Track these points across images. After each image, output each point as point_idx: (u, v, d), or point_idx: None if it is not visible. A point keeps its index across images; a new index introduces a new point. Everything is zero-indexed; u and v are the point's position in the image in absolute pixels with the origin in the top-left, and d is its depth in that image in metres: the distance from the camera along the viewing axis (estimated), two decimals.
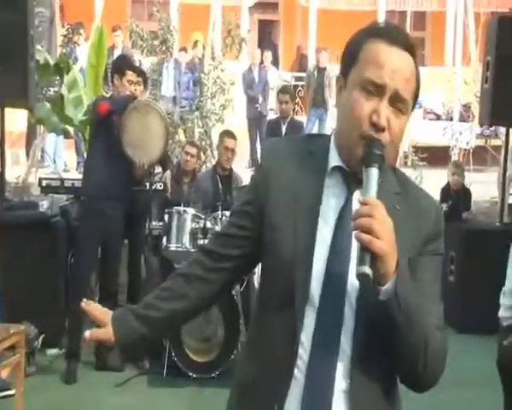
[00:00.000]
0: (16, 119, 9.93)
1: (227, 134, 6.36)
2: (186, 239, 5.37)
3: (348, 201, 1.56)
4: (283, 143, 1.74)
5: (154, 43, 10.15)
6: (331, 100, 11.62)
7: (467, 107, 13.21)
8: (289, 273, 1.53)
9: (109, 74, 5.93)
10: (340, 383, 1.52)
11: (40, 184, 6.13)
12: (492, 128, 10.62)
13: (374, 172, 1.47)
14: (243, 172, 6.85)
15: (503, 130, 8.40)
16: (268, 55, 12.84)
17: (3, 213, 5.58)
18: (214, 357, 4.97)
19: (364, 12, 14.75)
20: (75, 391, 4.88)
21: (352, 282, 1.51)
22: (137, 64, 9.63)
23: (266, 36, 17.65)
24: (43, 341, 5.09)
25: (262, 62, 12.59)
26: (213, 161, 7.85)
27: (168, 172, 6.15)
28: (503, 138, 7.70)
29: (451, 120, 13.34)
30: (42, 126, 8.39)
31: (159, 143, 5.19)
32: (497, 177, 8.75)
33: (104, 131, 5.05)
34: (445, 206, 7.41)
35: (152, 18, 10.72)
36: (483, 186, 9.35)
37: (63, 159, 10.92)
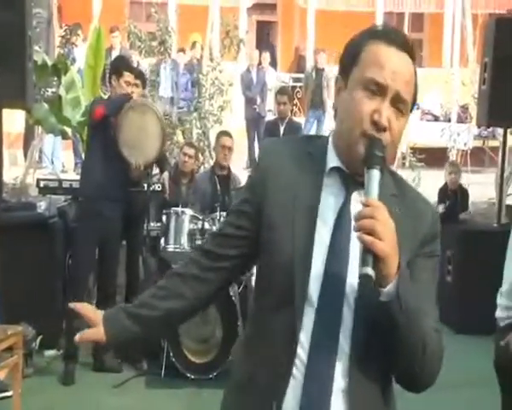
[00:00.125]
0: (14, 119, 9.92)
1: (223, 133, 6.48)
2: (184, 240, 5.38)
3: (347, 201, 1.57)
4: (282, 144, 1.75)
5: (152, 45, 10.15)
6: (329, 101, 11.63)
7: (464, 108, 13.24)
8: (288, 273, 1.54)
9: (107, 75, 5.93)
10: (339, 382, 1.52)
11: (38, 185, 6.13)
12: (490, 129, 10.64)
13: (375, 174, 1.48)
14: (241, 173, 6.86)
15: (500, 131, 8.40)
16: (266, 56, 12.86)
17: (1, 214, 5.56)
18: (212, 358, 4.97)
19: (362, 13, 14.77)
20: (73, 392, 4.88)
21: (351, 282, 1.52)
22: (135, 65, 9.64)
23: (264, 37, 17.66)
24: (40, 342, 5.08)
25: (260, 63, 12.61)
26: (211, 162, 7.85)
27: (166, 174, 6.15)
28: (501, 139, 7.70)
29: (449, 121, 13.36)
30: (40, 127, 8.38)
31: (155, 144, 5.17)
32: (494, 178, 8.76)
33: (101, 132, 5.05)
34: (442, 206, 7.44)
35: (150, 19, 10.71)
36: (481, 187, 9.37)
37: (61, 160, 10.92)
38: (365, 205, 1.43)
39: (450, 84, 13.58)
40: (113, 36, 11.32)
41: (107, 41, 9.01)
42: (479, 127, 10.01)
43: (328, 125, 11.57)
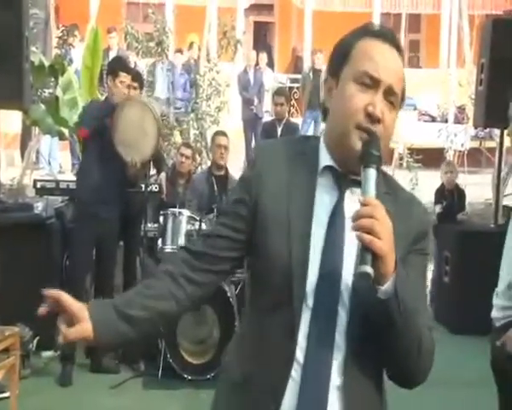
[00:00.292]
0: (11, 120, 9.92)
1: (218, 133, 6.55)
2: (181, 241, 5.37)
3: (340, 200, 1.58)
4: (275, 145, 1.75)
5: (149, 45, 10.14)
6: None
7: (461, 109, 13.26)
8: (285, 275, 1.54)
9: (104, 76, 5.93)
10: (334, 379, 1.53)
11: (35, 186, 6.13)
12: (487, 130, 10.65)
13: (372, 173, 1.49)
14: (239, 174, 6.85)
15: (497, 132, 8.43)
16: (263, 56, 12.86)
17: None
18: (209, 359, 4.97)
19: (359, 14, 14.77)
20: (70, 393, 4.87)
21: (346, 280, 1.53)
22: (132, 66, 9.63)
23: (261, 38, 17.67)
24: (37, 343, 5.08)
25: (257, 64, 12.61)
26: (209, 163, 7.86)
27: (163, 174, 6.15)
28: (498, 140, 7.72)
29: (446, 121, 13.38)
30: (37, 128, 8.38)
31: (151, 141, 5.13)
32: (491, 178, 8.77)
33: (97, 134, 5.03)
34: (439, 207, 7.44)
35: (147, 20, 10.71)
36: (477, 188, 9.38)
37: (58, 160, 10.91)
38: (363, 204, 1.44)
39: (447, 84, 13.60)
40: (110, 37, 11.31)
41: (104, 42, 9.00)
42: (475, 128, 10.03)
43: None
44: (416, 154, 10.41)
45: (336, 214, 1.57)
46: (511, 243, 2.92)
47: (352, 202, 1.54)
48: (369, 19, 14.52)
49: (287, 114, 7.92)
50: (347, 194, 1.58)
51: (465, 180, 8.80)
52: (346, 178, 1.58)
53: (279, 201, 1.58)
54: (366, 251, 1.42)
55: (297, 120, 11.34)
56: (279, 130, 7.59)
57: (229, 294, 4.99)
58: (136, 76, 5.83)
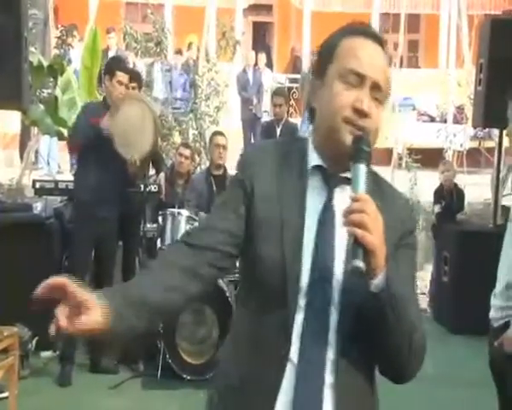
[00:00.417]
0: (10, 120, 9.92)
1: (216, 133, 6.58)
2: None
3: (330, 198, 1.59)
4: (264, 147, 1.75)
5: (148, 46, 10.14)
6: None
7: (460, 109, 13.26)
8: (279, 275, 1.54)
9: (103, 76, 5.92)
10: (327, 377, 1.54)
11: (34, 186, 6.12)
12: (486, 130, 10.66)
13: (362, 169, 1.50)
14: None
15: (496, 132, 8.43)
16: (262, 57, 12.86)
17: None
18: (208, 359, 4.97)
19: (358, 14, 14.76)
20: (69, 394, 4.87)
21: (338, 278, 1.54)
22: (131, 66, 9.63)
23: (260, 38, 17.66)
24: (36, 343, 5.07)
25: (256, 64, 12.61)
26: (208, 163, 7.86)
27: (162, 175, 6.15)
28: (497, 140, 7.72)
29: (445, 121, 13.39)
30: (36, 128, 8.38)
31: (149, 137, 5.11)
32: (490, 179, 8.77)
33: (93, 136, 5.00)
34: (438, 207, 7.45)
35: (146, 20, 10.71)
36: (476, 188, 9.38)
37: (57, 161, 10.90)
38: (354, 199, 1.45)
39: (446, 85, 13.60)
40: (109, 37, 11.31)
41: (103, 42, 9.00)
42: (474, 128, 10.03)
43: None
44: (415, 154, 10.40)
45: (326, 213, 1.58)
46: (509, 244, 2.93)
47: (342, 199, 1.55)
48: (368, 19, 14.54)
49: (286, 115, 7.92)
50: (337, 192, 1.59)
51: (464, 180, 8.81)
52: (335, 176, 1.60)
53: (271, 203, 1.58)
54: (357, 246, 1.43)
55: (296, 120, 11.34)
56: (278, 130, 7.59)
57: (227, 294, 4.98)
58: (135, 76, 5.84)
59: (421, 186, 9.33)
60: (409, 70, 15.84)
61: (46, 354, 5.37)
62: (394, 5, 15.77)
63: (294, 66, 16.27)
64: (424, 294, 7.72)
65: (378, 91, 1.57)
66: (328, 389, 1.53)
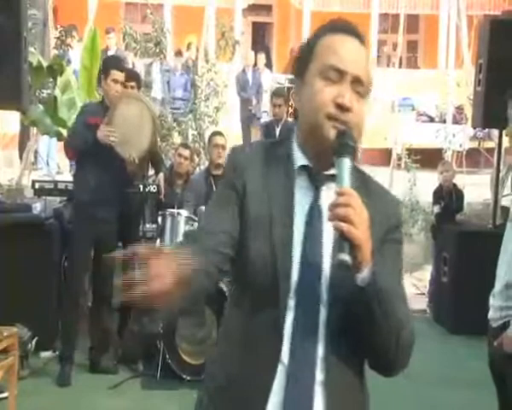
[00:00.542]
0: (9, 121, 9.91)
1: (215, 133, 6.64)
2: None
3: (317, 197, 1.60)
4: (250, 149, 1.76)
5: (147, 46, 10.14)
6: None
7: (460, 109, 13.27)
8: (270, 275, 1.54)
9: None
10: (318, 375, 1.54)
11: (33, 187, 6.12)
12: (485, 130, 10.66)
13: (346, 162, 1.51)
14: None
15: (495, 132, 8.43)
16: (261, 57, 12.85)
17: None
18: None
19: (358, 15, 14.76)
20: (69, 394, 4.87)
21: (326, 273, 1.55)
22: (130, 66, 9.63)
23: (260, 38, 17.66)
24: (36, 343, 5.07)
25: (256, 64, 12.60)
26: (207, 164, 7.87)
27: (161, 175, 6.15)
28: (496, 140, 7.73)
29: (444, 122, 13.38)
30: (35, 128, 8.37)
31: (147, 135, 5.09)
32: (489, 179, 8.78)
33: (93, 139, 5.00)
34: (437, 207, 7.45)
35: (145, 20, 10.71)
36: (476, 188, 9.39)
37: (56, 161, 10.89)
38: (339, 194, 1.46)
39: (446, 85, 13.61)
40: (108, 37, 11.31)
41: (102, 42, 8.98)
42: (474, 128, 10.03)
43: None
44: (414, 154, 10.41)
45: (314, 211, 1.59)
46: (508, 244, 2.93)
47: (329, 196, 1.55)
48: (368, 19, 14.55)
49: (285, 115, 7.93)
50: (324, 190, 1.60)
51: (463, 181, 8.81)
52: (320, 175, 1.60)
53: (261, 203, 1.59)
54: (343, 240, 1.44)
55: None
56: (277, 130, 7.60)
57: (227, 294, 4.98)
58: (133, 75, 5.83)
59: (421, 187, 9.34)
60: (408, 70, 15.84)
61: (46, 354, 5.37)
62: (393, 5, 15.76)
63: (294, 66, 16.27)
64: (424, 294, 7.73)
65: (359, 85, 1.58)
66: (318, 387, 1.54)
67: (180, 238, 5.38)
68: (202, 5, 13.12)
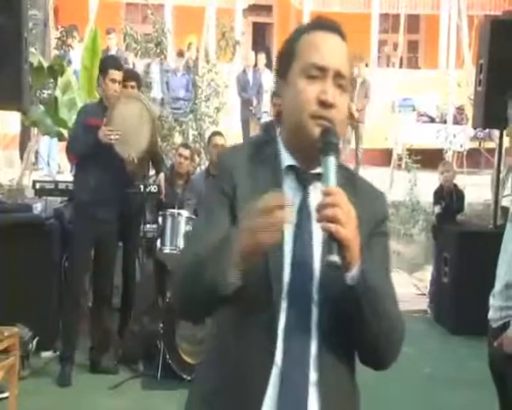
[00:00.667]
0: (10, 121, 9.92)
1: (214, 133, 6.71)
2: (180, 242, 5.37)
3: (305, 197, 1.60)
4: (237, 150, 1.74)
5: (148, 46, 10.15)
6: None
7: (460, 109, 13.27)
8: (262, 277, 1.53)
9: None
10: (312, 375, 1.54)
11: (34, 187, 6.13)
12: (486, 131, 10.66)
13: (332, 161, 1.51)
14: None
15: (496, 132, 8.43)
16: (262, 57, 12.86)
17: None
18: None
19: (358, 15, 14.78)
20: (69, 394, 4.87)
21: (316, 274, 1.55)
22: (131, 66, 9.64)
23: (260, 38, 17.66)
24: (37, 343, 5.08)
25: (256, 65, 12.61)
26: (207, 164, 7.87)
27: (162, 175, 6.15)
28: (497, 141, 7.73)
29: (445, 122, 13.38)
30: (36, 129, 8.38)
31: (145, 134, 5.09)
32: (490, 179, 8.78)
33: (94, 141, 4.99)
34: (438, 208, 7.44)
35: (146, 20, 10.73)
36: (477, 189, 9.39)
37: (57, 161, 10.90)
38: (325, 193, 1.46)
39: (446, 85, 13.61)
40: (109, 38, 11.31)
41: (103, 43, 9.00)
42: (474, 129, 10.03)
43: None
44: (414, 155, 10.41)
45: (303, 212, 1.59)
46: (508, 244, 2.93)
47: (317, 196, 1.55)
48: (368, 20, 14.57)
49: None
50: (311, 189, 1.61)
51: (464, 181, 8.81)
52: (307, 174, 1.61)
53: (250, 202, 1.56)
54: (332, 240, 1.45)
55: None
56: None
57: None
58: (133, 75, 5.82)
59: (421, 187, 9.34)
60: (408, 70, 15.84)
61: (46, 354, 5.37)
62: (394, 5, 15.76)
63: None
64: (424, 295, 7.73)
65: (341, 79, 1.59)
66: (312, 388, 1.54)
67: (181, 239, 5.40)
68: (203, 5, 13.13)
